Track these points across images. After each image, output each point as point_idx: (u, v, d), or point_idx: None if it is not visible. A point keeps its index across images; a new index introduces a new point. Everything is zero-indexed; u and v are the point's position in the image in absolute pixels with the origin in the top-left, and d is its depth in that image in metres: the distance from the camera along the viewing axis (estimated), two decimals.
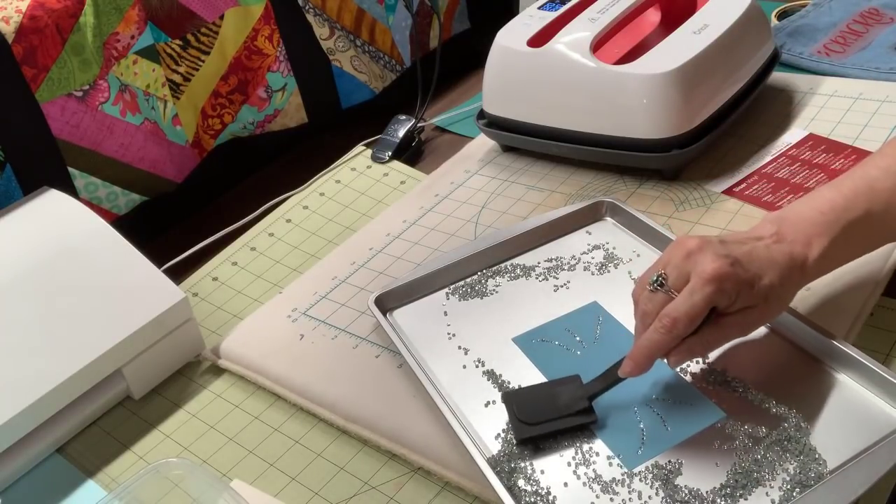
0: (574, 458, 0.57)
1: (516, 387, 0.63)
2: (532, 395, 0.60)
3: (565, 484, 0.55)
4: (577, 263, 0.75)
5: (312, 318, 0.77)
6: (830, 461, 0.53)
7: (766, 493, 0.52)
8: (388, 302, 0.74)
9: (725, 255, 0.54)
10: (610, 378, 0.58)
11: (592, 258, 0.75)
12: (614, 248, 0.76)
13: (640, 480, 0.54)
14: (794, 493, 0.51)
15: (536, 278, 0.74)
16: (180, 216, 1.01)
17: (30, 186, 0.82)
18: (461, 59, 1.20)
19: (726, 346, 0.61)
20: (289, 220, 0.94)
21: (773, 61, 0.94)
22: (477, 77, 1.00)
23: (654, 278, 0.56)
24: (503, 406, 0.61)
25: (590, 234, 0.79)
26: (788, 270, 0.56)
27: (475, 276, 0.76)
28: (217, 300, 0.84)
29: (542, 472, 0.56)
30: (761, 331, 0.63)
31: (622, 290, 0.71)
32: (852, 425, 0.55)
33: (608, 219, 0.80)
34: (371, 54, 1.12)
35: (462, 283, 0.75)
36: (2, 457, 0.65)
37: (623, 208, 0.78)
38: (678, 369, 0.62)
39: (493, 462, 0.57)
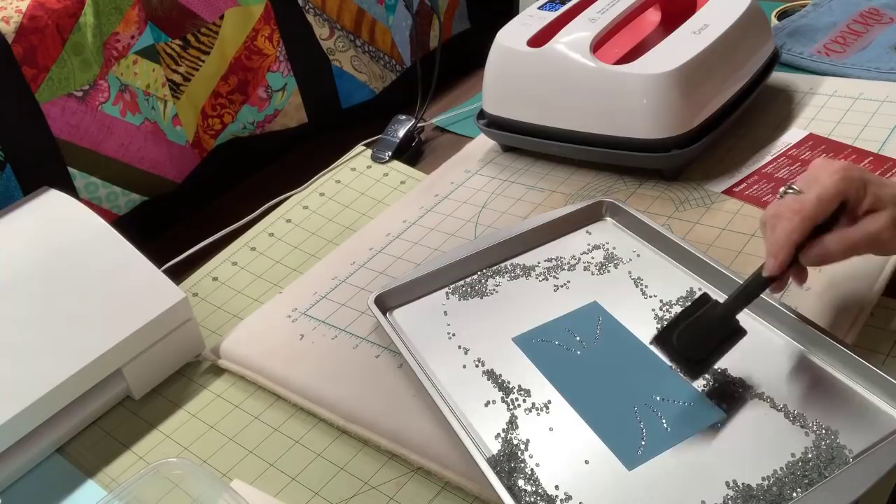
0: (574, 458, 0.57)
1: (655, 331, 0.62)
2: (686, 331, 0.58)
3: (565, 484, 0.55)
4: (577, 263, 0.75)
5: (312, 318, 0.77)
6: None
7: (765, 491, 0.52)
8: (388, 301, 0.74)
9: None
10: (751, 288, 0.58)
11: (592, 258, 0.75)
12: (614, 248, 0.76)
13: (640, 480, 0.55)
14: (795, 494, 0.51)
15: (536, 278, 0.74)
16: (180, 216, 1.01)
17: (30, 186, 0.82)
18: (461, 59, 1.20)
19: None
20: (289, 220, 0.94)
21: (773, 61, 0.94)
22: (477, 77, 1.00)
23: (784, 189, 0.57)
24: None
25: (590, 234, 0.79)
26: None
27: (475, 276, 0.76)
28: (217, 300, 0.84)
29: (542, 471, 0.56)
30: (762, 330, 0.63)
31: (622, 290, 0.71)
32: (852, 425, 0.55)
33: (608, 219, 0.80)
34: (371, 54, 1.12)
35: (462, 282, 0.75)
36: (2, 457, 0.65)
37: (623, 208, 0.78)
38: (678, 369, 0.62)
39: (493, 462, 0.57)
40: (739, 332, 0.59)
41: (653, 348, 0.60)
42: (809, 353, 0.61)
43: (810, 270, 0.69)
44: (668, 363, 0.60)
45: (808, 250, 0.57)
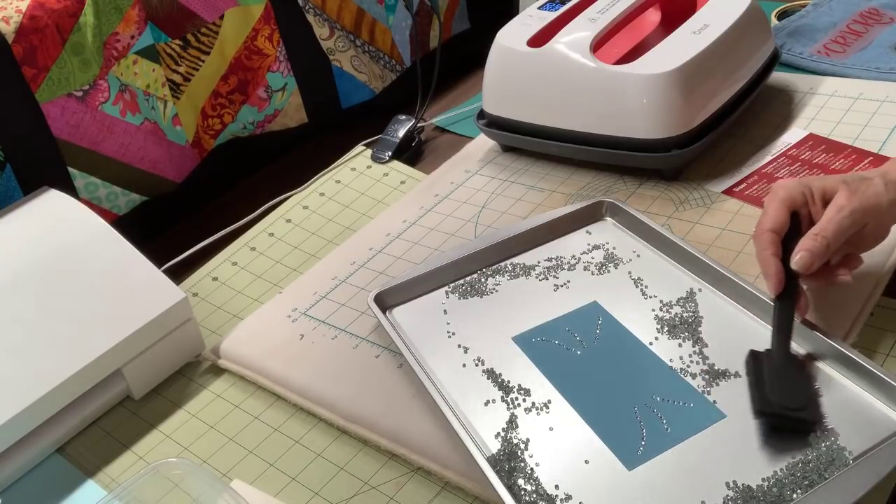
0: (574, 457, 0.57)
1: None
2: (773, 392, 0.56)
3: (565, 483, 0.55)
4: (577, 263, 0.75)
5: (312, 318, 0.77)
6: None
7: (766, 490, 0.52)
8: (387, 300, 0.74)
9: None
10: (781, 321, 0.60)
11: (592, 258, 0.75)
12: (614, 248, 0.76)
13: (640, 480, 0.54)
14: (795, 495, 0.51)
15: (536, 278, 0.74)
16: (180, 216, 1.01)
17: (30, 186, 0.82)
18: (461, 59, 1.20)
19: (729, 345, 0.62)
20: (289, 220, 0.94)
21: (773, 61, 0.94)
22: (477, 77, 1.00)
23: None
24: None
25: (590, 233, 0.79)
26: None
27: (475, 275, 0.76)
28: (217, 300, 0.84)
29: (542, 471, 0.56)
30: (762, 332, 0.63)
31: (622, 290, 0.71)
32: (852, 427, 0.55)
33: (608, 219, 0.80)
34: (371, 54, 1.12)
35: (462, 281, 0.75)
36: (2, 457, 0.65)
37: (623, 208, 0.78)
38: (678, 369, 0.62)
39: (493, 461, 0.57)
40: (803, 362, 0.60)
41: (760, 423, 0.56)
42: (810, 354, 0.61)
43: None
44: (782, 428, 0.56)
45: (792, 256, 0.60)
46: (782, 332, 0.60)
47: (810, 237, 0.59)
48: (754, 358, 0.59)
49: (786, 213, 0.61)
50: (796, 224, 0.62)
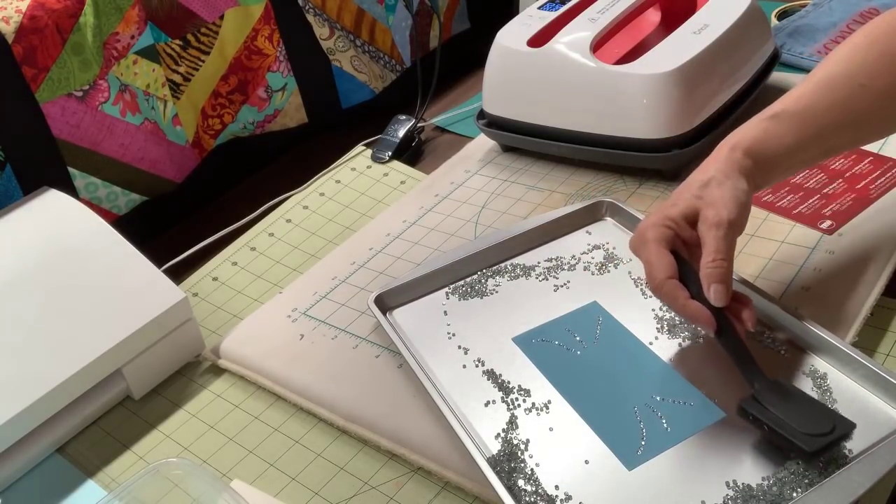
0: (574, 458, 0.57)
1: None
2: (784, 419, 0.53)
3: (565, 484, 0.55)
4: (577, 263, 0.75)
5: (312, 318, 0.77)
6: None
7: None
8: (387, 301, 0.74)
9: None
10: (732, 353, 0.57)
11: (592, 258, 0.75)
12: (614, 248, 0.76)
13: (640, 480, 0.55)
14: (795, 494, 0.51)
15: (536, 278, 0.74)
16: (180, 216, 1.01)
17: (30, 186, 0.82)
18: (461, 59, 1.20)
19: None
20: (289, 220, 0.94)
21: (773, 61, 0.94)
22: (477, 77, 1.00)
23: None
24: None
25: (590, 234, 0.79)
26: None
27: (475, 276, 0.76)
28: (217, 300, 0.84)
29: (542, 471, 0.56)
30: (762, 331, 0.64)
31: (622, 290, 0.71)
32: None
33: (608, 219, 0.80)
34: (371, 54, 1.12)
35: (462, 282, 0.75)
36: (2, 457, 0.65)
37: (623, 208, 0.78)
38: (678, 368, 0.62)
39: (493, 462, 0.57)
40: (779, 382, 0.56)
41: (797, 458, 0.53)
42: (809, 353, 0.61)
43: (810, 272, 0.69)
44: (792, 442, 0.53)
45: (706, 293, 0.57)
46: (747, 362, 0.57)
47: (710, 266, 0.57)
48: (747, 408, 0.55)
49: (668, 254, 0.58)
50: (679, 259, 0.59)
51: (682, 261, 0.59)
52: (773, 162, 0.61)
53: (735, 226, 0.58)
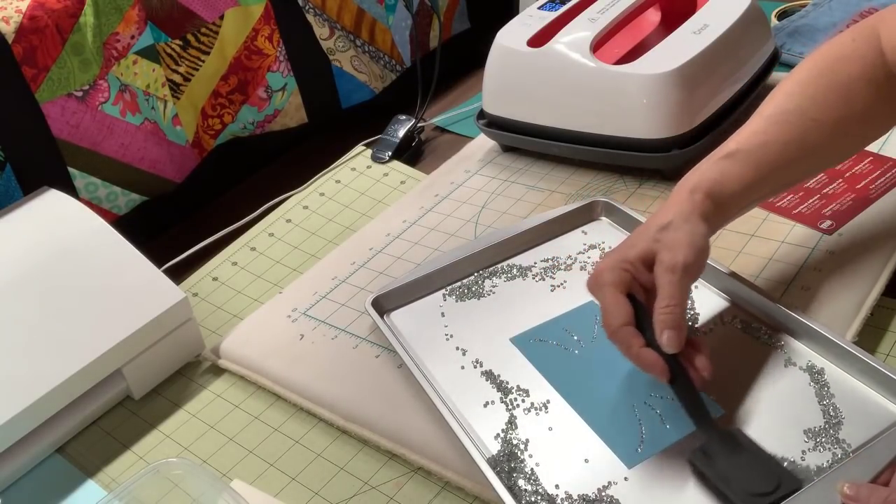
0: (574, 457, 0.57)
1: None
2: (733, 478, 0.52)
3: (565, 483, 0.55)
4: (573, 263, 0.75)
5: (312, 318, 0.77)
6: None
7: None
8: (385, 304, 0.74)
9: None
10: (685, 402, 0.56)
11: (589, 258, 0.75)
12: (610, 248, 0.76)
13: (640, 478, 0.55)
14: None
15: (533, 278, 0.74)
16: (180, 216, 1.01)
17: (30, 186, 0.82)
18: (461, 59, 1.20)
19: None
20: (289, 220, 0.94)
21: (773, 61, 0.94)
22: (477, 77, 1.00)
23: None
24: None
25: (585, 233, 0.79)
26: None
27: (472, 277, 0.76)
28: (217, 300, 0.84)
29: (542, 471, 0.56)
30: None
31: None
32: (850, 420, 0.55)
33: (603, 218, 0.80)
34: (371, 54, 1.12)
35: (459, 283, 0.75)
36: (2, 457, 0.65)
37: (618, 208, 0.78)
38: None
39: (493, 462, 0.57)
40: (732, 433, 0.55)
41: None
42: (806, 348, 0.61)
43: (810, 272, 0.69)
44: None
45: (658, 340, 0.56)
46: (700, 413, 0.55)
47: (662, 313, 0.56)
48: (694, 461, 0.54)
49: (624, 299, 0.57)
50: (636, 303, 0.58)
51: (638, 305, 0.58)
52: (732, 202, 0.61)
53: (690, 270, 0.57)
